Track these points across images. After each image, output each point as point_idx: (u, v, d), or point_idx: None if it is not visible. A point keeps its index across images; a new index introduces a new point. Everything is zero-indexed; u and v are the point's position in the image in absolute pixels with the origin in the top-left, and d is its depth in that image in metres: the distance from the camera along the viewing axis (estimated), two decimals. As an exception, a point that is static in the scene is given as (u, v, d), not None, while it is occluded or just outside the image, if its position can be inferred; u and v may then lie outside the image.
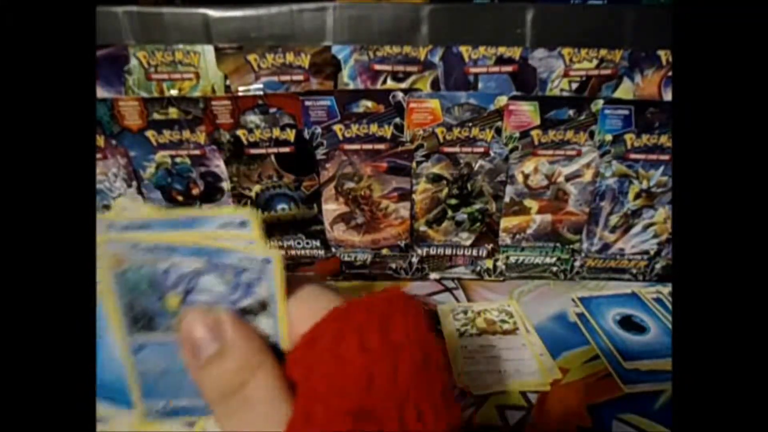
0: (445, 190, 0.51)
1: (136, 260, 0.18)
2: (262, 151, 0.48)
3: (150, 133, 0.46)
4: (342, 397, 0.17)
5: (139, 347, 0.19)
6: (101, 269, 0.18)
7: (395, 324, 0.19)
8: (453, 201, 0.52)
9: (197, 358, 0.18)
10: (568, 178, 0.50)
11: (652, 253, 0.54)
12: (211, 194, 0.50)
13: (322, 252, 0.54)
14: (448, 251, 0.55)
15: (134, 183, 0.49)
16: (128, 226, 0.18)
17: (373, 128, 0.47)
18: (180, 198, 0.50)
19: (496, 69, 0.44)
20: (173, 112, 0.45)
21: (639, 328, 0.49)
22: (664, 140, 0.48)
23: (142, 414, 0.20)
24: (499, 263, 0.56)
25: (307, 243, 0.54)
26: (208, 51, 0.43)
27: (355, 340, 0.18)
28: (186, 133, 0.46)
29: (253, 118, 0.46)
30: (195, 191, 0.50)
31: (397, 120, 0.47)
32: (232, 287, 0.19)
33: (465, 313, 0.51)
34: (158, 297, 0.19)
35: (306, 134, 0.47)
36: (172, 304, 0.19)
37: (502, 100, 0.46)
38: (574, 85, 0.45)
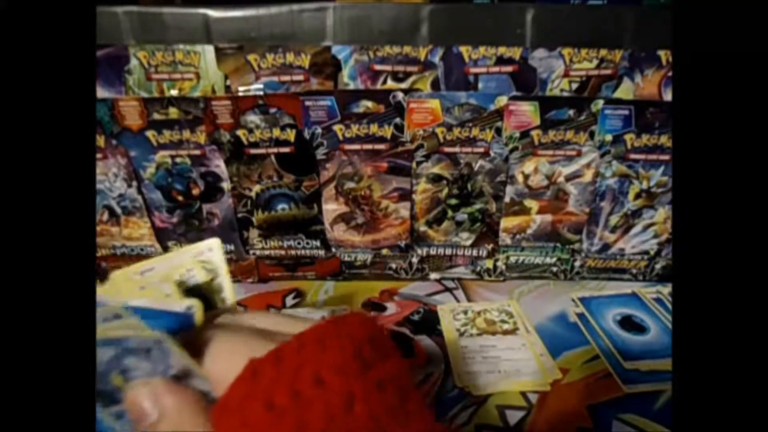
0: (445, 190, 0.51)
1: None
2: (262, 151, 0.48)
3: (150, 133, 0.46)
4: None
5: (117, 415, 0.22)
6: None
7: (304, 374, 0.18)
8: (453, 201, 0.52)
9: (141, 426, 0.20)
10: (568, 178, 0.50)
11: (652, 253, 0.54)
12: (211, 194, 0.50)
13: (322, 252, 0.54)
14: (448, 251, 0.55)
15: (134, 183, 0.49)
16: None
17: (373, 128, 0.47)
18: (180, 198, 0.50)
19: (496, 69, 0.44)
20: (173, 112, 0.45)
21: (639, 328, 0.49)
22: (664, 140, 0.48)
23: None
24: (499, 263, 0.56)
25: (307, 243, 0.54)
26: (208, 51, 0.43)
27: (261, 402, 0.18)
28: (186, 133, 0.46)
29: (253, 118, 0.46)
30: (195, 191, 0.50)
31: (397, 120, 0.47)
32: (152, 363, 0.21)
33: (465, 313, 0.51)
34: (108, 378, 0.21)
35: (306, 134, 0.47)
36: (119, 382, 0.21)
37: (502, 100, 0.46)
38: (574, 85, 0.45)
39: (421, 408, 0.19)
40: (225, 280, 0.28)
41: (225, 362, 0.20)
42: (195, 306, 0.24)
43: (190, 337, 0.21)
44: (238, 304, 0.53)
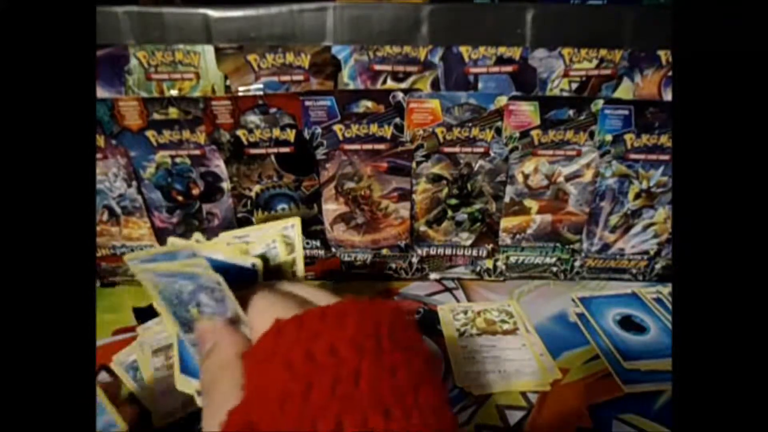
0: (445, 190, 0.51)
1: (161, 284, 0.25)
2: (262, 151, 0.48)
3: (150, 133, 0.46)
4: (261, 413, 0.18)
5: (193, 343, 0.26)
6: (150, 292, 0.25)
7: (320, 343, 0.19)
8: (453, 201, 0.52)
9: (200, 354, 0.24)
10: (568, 178, 0.50)
11: (652, 253, 0.54)
12: (211, 194, 0.50)
13: (322, 252, 0.54)
14: (448, 251, 0.55)
15: (134, 183, 0.49)
16: (144, 259, 0.25)
17: (373, 128, 0.47)
18: (180, 198, 0.50)
19: (496, 69, 0.44)
20: (173, 112, 0.45)
21: (639, 328, 0.49)
22: (664, 140, 0.48)
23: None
24: (499, 263, 0.56)
25: (307, 243, 0.54)
26: (208, 51, 0.43)
27: (279, 359, 0.19)
28: (186, 133, 0.46)
29: (253, 118, 0.46)
30: (195, 191, 0.50)
31: (397, 120, 0.47)
32: (216, 302, 0.25)
33: (465, 313, 0.51)
34: (186, 310, 0.25)
35: (306, 134, 0.47)
36: (195, 314, 0.25)
37: (502, 100, 0.46)
38: (574, 85, 0.45)
39: (439, 403, 0.20)
40: (299, 257, 0.32)
41: (262, 318, 0.22)
42: (258, 264, 0.28)
43: (250, 290, 0.24)
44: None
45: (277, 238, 0.31)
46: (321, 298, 0.25)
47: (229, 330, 0.24)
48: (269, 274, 0.31)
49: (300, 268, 0.33)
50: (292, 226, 0.32)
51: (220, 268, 0.25)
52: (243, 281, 0.26)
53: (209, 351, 0.23)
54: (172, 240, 0.29)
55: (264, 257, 0.31)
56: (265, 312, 0.23)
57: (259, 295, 0.24)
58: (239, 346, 0.23)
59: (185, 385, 0.27)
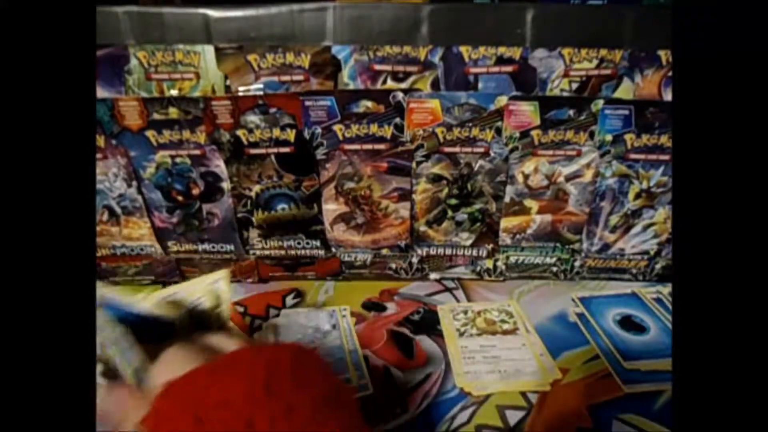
0: (445, 190, 0.51)
1: None
2: (262, 151, 0.48)
3: (150, 133, 0.46)
4: None
5: None
6: None
7: (211, 398, 0.19)
8: (453, 201, 0.52)
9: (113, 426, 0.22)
10: (568, 178, 0.50)
11: (652, 253, 0.54)
12: (211, 194, 0.50)
13: (322, 252, 0.54)
14: (448, 251, 0.55)
15: (134, 183, 0.49)
16: None
17: (373, 128, 0.47)
18: (180, 198, 0.50)
19: (496, 69, 0.44)
20: (173, 112, 0.45)
21: (639, 328, 0.49)
22: (664, 140, 0.48)
23: None
24: (499, 263, 0.56)
25: (307, 243, 0.54)
26: (208, 51, 0.43)
27: (169, 424, 0.19)
28: (186, 133, 0.46)
29: (253, 118, 0.46)
30: (195, 191, 0.50)
31: (397, 120, 0.47)
32: (122, 353, 0.24)
33: (465, 313, 0.51)
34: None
35: (306, 134, 0.47)
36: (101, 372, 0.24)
37: (502, 100, 0.46)
38: (574, 85, 0.45)
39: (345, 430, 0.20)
40: (224, 307, 0.33)
41: (166, 371, 0.22)
42: (180, 319, 0.29)
43: (166, 343, 0.24)
44: (238, 304, 0.53)
45: (205, 292, 0.32)
46: (231, 346, 0.25)
47: (130, 397, 0.23)
48: (198, 326, 0.31)
49: (225, 317, 0.34)
50: (220, 280, 0.33)
51: (137, 321, 0.25)
52: (163, 335, 0.26)
53: (118, 424, 0.22)
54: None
55: (192, 311, 0.32)
56: (171, 365, 0.23)
57: (170, 349, 0.24)
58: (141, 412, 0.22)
59: None
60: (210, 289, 0.33)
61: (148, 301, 0.31)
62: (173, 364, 0.22)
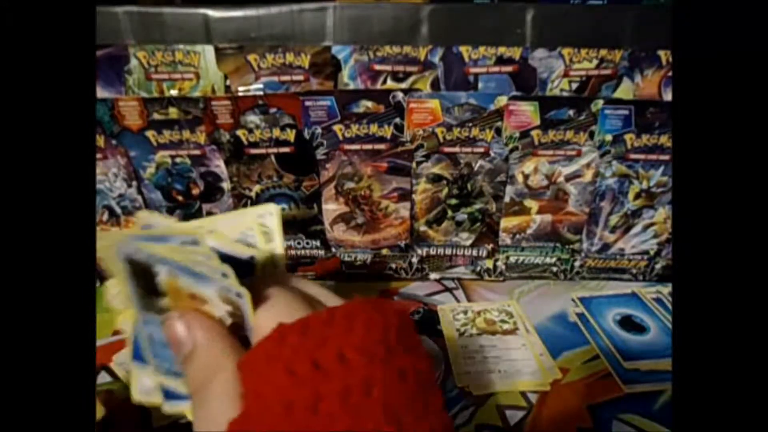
0: (445, 190, 0.51)
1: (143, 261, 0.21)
2: (262, 151, 0.48)
3: (150, 133, 0.46)
4: (265, 423, 0.17)
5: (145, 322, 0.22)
6: (118, 265, 0.21)
7: (328, 350, 0.18)
8: (453, 201, 0.52)
9: (178, 357, 0.21)
10: (568, 178, 0.50)
11: (652, 253, 0.54)
12: (211, 194, 0.50)
13: (322, 252, 0.54)
14: (448, 251, 0.55)
15: (134, 183, 0.49)
16: (136, 237, 0.21)
17: (373, 128, 0.47)
18: (180, 198, 0.50)
19: (496, 69, 0.44)
20: (173, 112, 0.45)
21: (639, 328, 0.49)
22: (664, 140, 0.48)
23: (155, 369, 0.22)
24: (499, 263, 0.56)
25: (307, 243, 0.54)
26: (208, 51, 0.43)
27: (282, 366, 0.18)
28: (186, 133, 0.46)
29: (253, 118, 0.46)
30: (195, 191, 0.50)
31: (397, 120, 0.47)
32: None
33: (465, 313, 0.51)
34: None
35: (306, 134, 0.47)
36: (168, 303, 0.22)
37: (502, 100, 0.46)
38: (574, 85, 0.45)
39: (440, 407, 0.19)
40: (278, 246, 0.29)
41: (268, 318, 0.20)
42: (257, 257, 0.25)
43: (250, 285, 0.22)
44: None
45: (254, 226, 0.28)
46: (328, 297, 0.24)
47: (214, 327, 0.21)
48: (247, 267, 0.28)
49: (280, 257, 0.30)
50: (271, 214, 0.29)
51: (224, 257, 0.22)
52: (239, 274, 0.23)
53: (192, 353, 0.21)
54: (169, 222, 0.25)
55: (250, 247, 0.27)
56: (272, 314, 0.21)
57: (274, 292, 0.22)
58: (227, 346, 0.21)
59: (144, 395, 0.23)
60: (259, 223, 0.28)
61: (211, 237, 0.26)
62: (279, 308, 0.21)
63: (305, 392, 0.17)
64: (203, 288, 0.21)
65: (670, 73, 0.44)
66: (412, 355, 0.20)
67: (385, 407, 0.17)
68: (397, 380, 0.18)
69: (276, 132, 0.47)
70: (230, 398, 0.19)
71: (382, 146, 0.48)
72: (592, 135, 0.48)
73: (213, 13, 0.42)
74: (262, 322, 0.21)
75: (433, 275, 0.57)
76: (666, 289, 0.55)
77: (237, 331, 0.22)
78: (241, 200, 0.51)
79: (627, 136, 0.48)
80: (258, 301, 0.21)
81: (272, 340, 0.19)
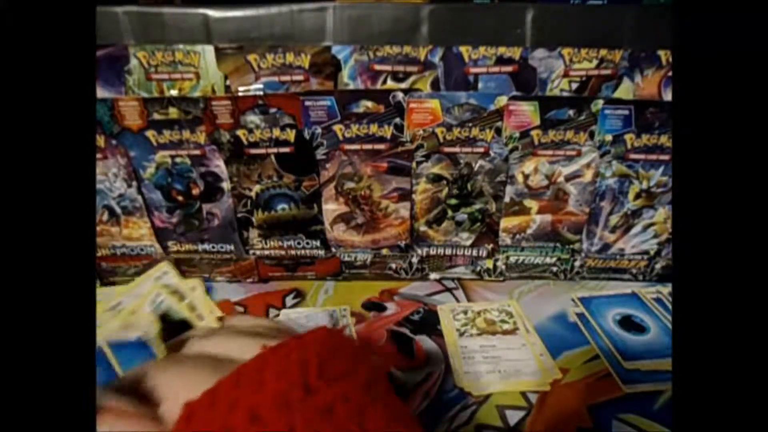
0: (445, 190, 0.51)
1: None
2: (262, 151, 0.48)
3: (150, 133, 0.46)
4: None
5: None
6: None
7: (239, 413, 0.17)
8: (453, 201, 0.52)
9: None
10: (568, 178, 0.50)
11: (652, 253, 0.54)
12: (211, 194, 0.50)
13: (322, 252, 0.54)
14: (448, 251, 0.55)
15: (134, 183, 0.49)
16: None
17: (373, 128, 0.47)
18: (180, 198, 0.50)
19: (496, 69, 0.44)
20: (173, 112, 0.45)
21: (639, 328, 0.49)
22: (664, 140, 0.48)
23: None
24: (499, 263, 0.56)
25: (307, 243, 0.54)
26: (208, 51, 0.43)
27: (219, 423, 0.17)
28: (186, 133, 0.46)
29: (253, 118, 0.46)
30: (195, 191, 0.50)
31: (397, 120, 0.47)
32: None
33: (465, 313, 0.51)
34: None
35: (306, 134, 0.47)
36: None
37: (502, 100, 0.46)
38: (574, 85, 0.45)
39: (387, 420, 0.18)
40: (198, 300, 0.27)
41: (177, 395, 0.19)
42: (147, 334, 0.23)
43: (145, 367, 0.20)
44: (238, 304, 0.53)
45: (158, 290, 0.26)
46: (237, 348, 0.21)
47: (135, 418, 0.19)
48: (174, 332, 0.25)
49: (204, 312, 0.27)
50: (165, 273, 0.27)
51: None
52: (138, 359, 0.22)
53: None
54: None
55: (160, 317, 0.25)
56: (179, 385, 0.19)
57: (168, 366, 0.20)
58: None
59: None
60: (161, 285, 0.26)
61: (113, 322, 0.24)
62: (181, 384, 0.19)
63: None
64: None
65: (670, 73, 0.44)
66: (340, 383, 0.19)
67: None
68: (323, 418, 0.17)
69: (276, 132, 0.47)
70: None
71: (382, 146, 0.48)
72: (592, 135, 0.48)
73: (213, 13, 0.42)
74: (167, 403, 0.19)
75: (433, 275, 0.57)
76: (666, 289, 0.55)
77: None
78: (241, 200, 0.51)
79: (627, 136, 0.48)
80: (154, 381, 0.20)
81: (180, 424, 0.18)
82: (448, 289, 0.56)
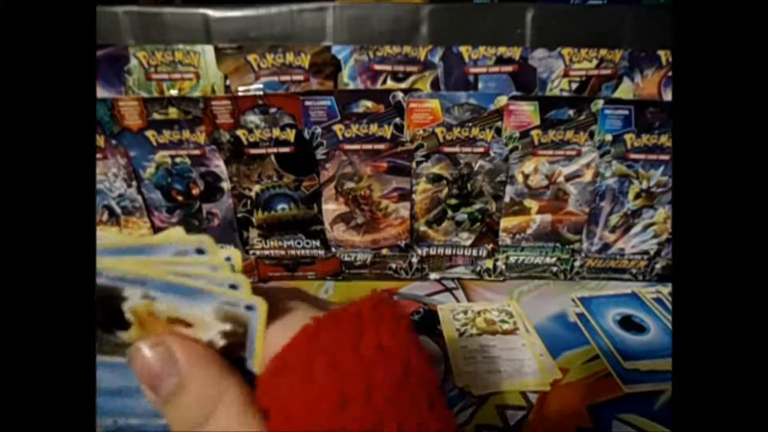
0: (445, 190, 0.51)
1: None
2: (262, 151, 0.48)
3: (150, 133, 0.46)
4: (316, 422, 0.16)
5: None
6: None
7: (367, 338, 0.18)
8: (453, 201, 0.52)
9: (158, 395, 0.17)
10: (568, 178, 0.50)
11: (652, 253, 0.54)
12: (211, 194, 0.50)
13: (322, 252, 0.54)
14: (448, 251, 0.55)
15: (134, 183, 0.49)
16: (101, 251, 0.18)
17: (373, 128, 0.47)
18: (180, 198, 0.50)
19: (496, 69, 0.44)
20: (173, 112, 0.45)
21: (639, 328, 0.49)
22: (664, 140, 0.48)
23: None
24: (499, 263, 0.56)
25: (307, 243, 0.54)
26: (208, 51, 0.43)
27: (325, 360, 0.17)
28: (186, 133, 0.46)
29: (253, 118, 0.46)
30: (195, 191, 0.50)
31: (397, 120, 0.47)
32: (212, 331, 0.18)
33: (465, 313, 0.51)
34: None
35: (306, 134, 0.47)
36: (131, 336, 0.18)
37: (502, 100, 0.46)
38: (574, 85, 0.45)
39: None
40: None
41: (284, 333, 0.18)
42: (258, 305, 0.20)
43: (266, 294, 0.19)
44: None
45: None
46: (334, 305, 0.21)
47: (202, 351, 0.18)
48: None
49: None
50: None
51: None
52: None
53: (179, 387, 0.17)
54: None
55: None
56: (297, 328, 0.19)
57: (295, 305, 0.20)
58: (223, 370, 0.18)
59: None
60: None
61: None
62: (298, 323, 0.19)
63: (354, 384, 0.17)
64: (195, 307, 0.18)
65: (670, 73, 0.44)
66: (413, 352, 0.20)
67: (424, 388, 0.18)
68: (427, 367, 0.18)
69: (276, 132, 0.47)
70: (240, 426, 0.17)
71: (382, 146, 0.48)
72: (592, 135, 0.48)
73: (213, 13, 0.42)
74: (277, 337, 0.18)
75: (433, 275, 0.57)
76: (666, 289, 0.55)
77: (231, 353, 0.19)
78: (241, 200, 0.51)
79: (627, 136, 0.48)
80: (275, 313, 0.19)
81: (304, 337, 0.18)
82: (448, 289, 0.56)
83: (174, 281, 0.17)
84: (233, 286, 0.18)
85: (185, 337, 0.18)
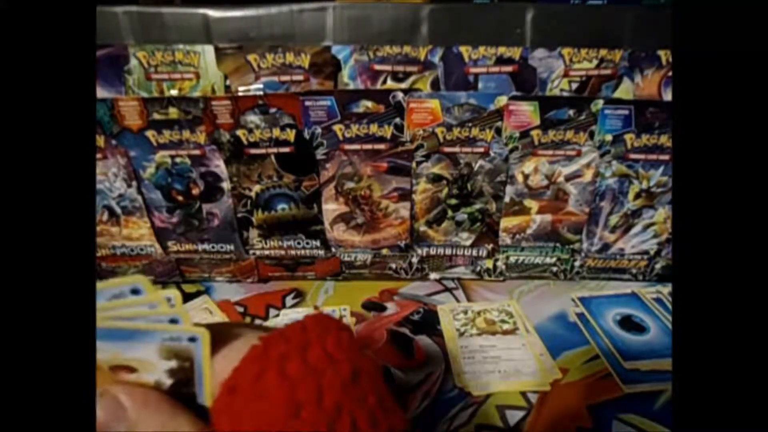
0: (445, 190, 0.51)
1: None
2: (262, 151, 0.48)
3: (150, 133, 0.46)
4: (272, 430, 0.17)
5: None
6: None
7: (314, 349, 0.19)
8: (453, 201, 0.52)
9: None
10: (568, 178, 0.50)
11: (652, 253, 0.54)
12: (211, 194, 0.50)
13: (322, 252, 0.54)
14: (448, 251, 0.55)
15: (134, 183, 0.49)
16: None
17: (373, 128, 0.47)
18: (180, 198, 0.50)
19: (496, 69, 0.44)
20: (173, 112, 0.45)
21: (639, 328, 0.49)
22: (664, 140, 0.48)
23: None
24: (499, 263, 0.56)
25: (307, 243, 0.54)
26: (208, 51, 0.43)
27: (274, 373, 0.18)
28: (186, 133, 0.46)
29: (253, 118, 0.46)
30: (195, 191, 0.50)
31: (397, 120, 0.47)
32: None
33: (465, 313, 0.51)
34: None
35: (306, 134, 0.47)
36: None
37: (502, 100, 0.46)
38: (574, 85, 0.45)
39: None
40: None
41: (230, 360, 0.19)
42: (201, 335, 0.20)
43: (207, 325, 0.20)
44: (238, 304, 0.53)
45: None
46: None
47: (149, 395, 0.18)
48: None
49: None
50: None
51: None
52: None
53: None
54: None
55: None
56: (241, 354, 0.19)
57: (239, 332, 0.20)
58: (171, 411, 0.18)
59: None
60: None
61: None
62: (242, 350, 0.19)
63: (304, 391, 0.18)
64: (137, 349, 0.18)
65: (670, 73, 0.44)
66: (359, 356, 0.21)
67: (374, 392, 0.19)
68: (375, 369, 0.20)
69: (276, 132, 0.47)
70: None
71: (382, 146, 0.48)
72: (592, 135, 0.48)
73: (213, 13, 0.42)
74: (224, 363, 0.19)
75: (433, 275, 0.57)
76: (666, 289, 0.55)
77: (180, 390, 0.19)
78: (241, 200, 0.51)
79: (627, 136, 0.48)
80: (220, 342, 0.19)
81: (254, 356, 0.19)
82: (448, 289, 0.56)
83: (112, 326, 0.18)
84: (173, 321, 0.18)
85: (132, 385, 0.19)
